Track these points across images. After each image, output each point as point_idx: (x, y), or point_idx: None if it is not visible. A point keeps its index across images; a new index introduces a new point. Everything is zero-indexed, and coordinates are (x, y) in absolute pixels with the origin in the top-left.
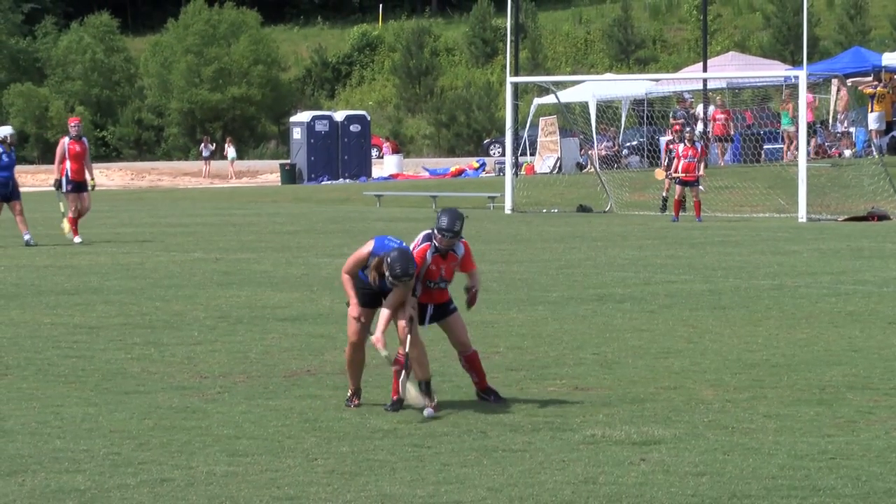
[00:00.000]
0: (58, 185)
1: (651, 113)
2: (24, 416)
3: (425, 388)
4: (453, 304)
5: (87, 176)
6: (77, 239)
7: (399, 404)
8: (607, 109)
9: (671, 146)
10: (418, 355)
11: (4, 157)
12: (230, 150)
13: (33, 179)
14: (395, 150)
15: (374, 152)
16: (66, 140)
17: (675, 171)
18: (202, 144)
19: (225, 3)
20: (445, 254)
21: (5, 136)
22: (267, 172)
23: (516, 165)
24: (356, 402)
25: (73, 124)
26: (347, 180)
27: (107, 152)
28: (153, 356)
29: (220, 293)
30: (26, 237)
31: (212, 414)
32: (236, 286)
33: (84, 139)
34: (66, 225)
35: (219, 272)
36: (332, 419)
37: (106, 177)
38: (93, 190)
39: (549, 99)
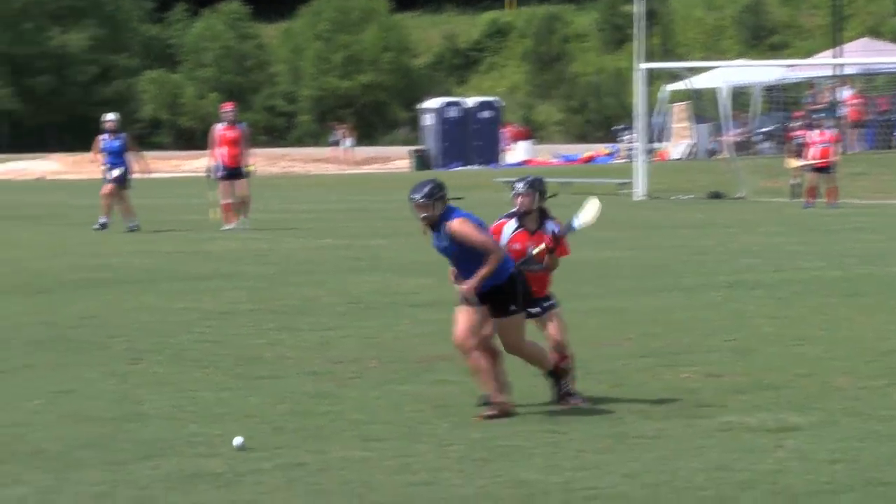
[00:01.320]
0: (208, 171)
1: (784, 99)
2: (158, 400)
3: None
4: (551, 299)
5: (244, 162)
6: (229, 226)
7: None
8: (740, 95)
9: (799, 133)
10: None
11: (114, 144)
12: (347, 140)
13: (166, 165)
14: (522, 137)
15: (505, 138)
16: (218, 126)
17: (808, 158)
18: (333, 131)
19: None
20: (533, 230)
21: (108, 122)
22: (398, 159)
23: (648, 152)
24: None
25: (226, 110)
26: (479, 166)
27: None
28: (286, 341)
29: (351, 279)
30: (103, 220)
31: (345, 399)
32: (367, 272)
33: (241, 125)
34: (216, 212)
35: (350, 258)
36: (464, 405)
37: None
38: (248, 176)
39: (680, 85)
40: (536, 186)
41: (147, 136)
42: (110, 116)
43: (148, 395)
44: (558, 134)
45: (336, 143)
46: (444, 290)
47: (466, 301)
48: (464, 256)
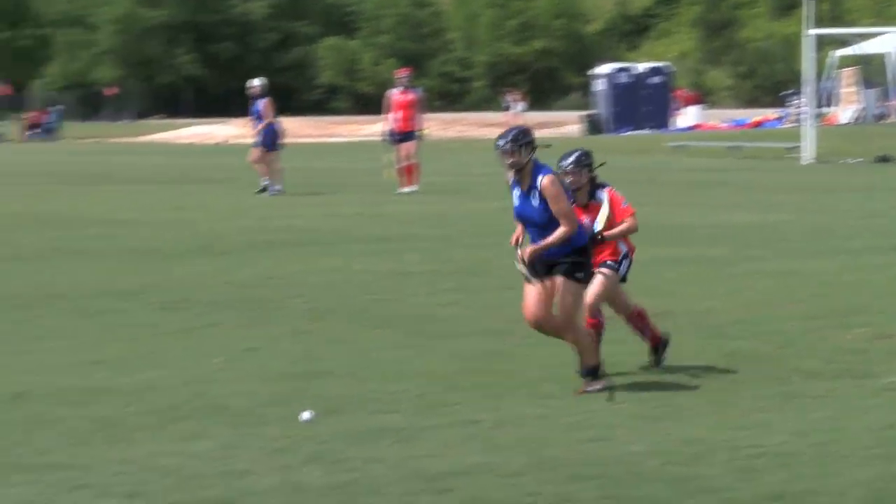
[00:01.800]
0: (383, 135)
1: None
2: (339, 358)
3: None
4: (607, 263)
5: (417, 126)
6: (406, 189)
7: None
8: None
9: None
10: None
11: (256, 108)
12: (519, 104)
13: (344, 130)
14: (691, 102)
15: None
16: (393, 91)
17: None
18: (505, 96)
19: None
20: (585, 203)
21: (252, 87)
22: (570, 123)
23: (817, 116)
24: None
25: (401, 76)
26: (649, 131)
27: None
28: (461, 301)
29: None
30: (267, 183)
31: (519, 357)
32: None
33: (414, 90)
34: (390, 173)
35: None
36: (635, 365)
37: None
38: (420, 139)
39: (849, 51)
40: (583, 162)
41: (326, 101)
42: (255, 82)
43: (328, 353)
44: (728, 99)
45: (508, 108)
46: None
47: (523, 268)
48: (545, 222)
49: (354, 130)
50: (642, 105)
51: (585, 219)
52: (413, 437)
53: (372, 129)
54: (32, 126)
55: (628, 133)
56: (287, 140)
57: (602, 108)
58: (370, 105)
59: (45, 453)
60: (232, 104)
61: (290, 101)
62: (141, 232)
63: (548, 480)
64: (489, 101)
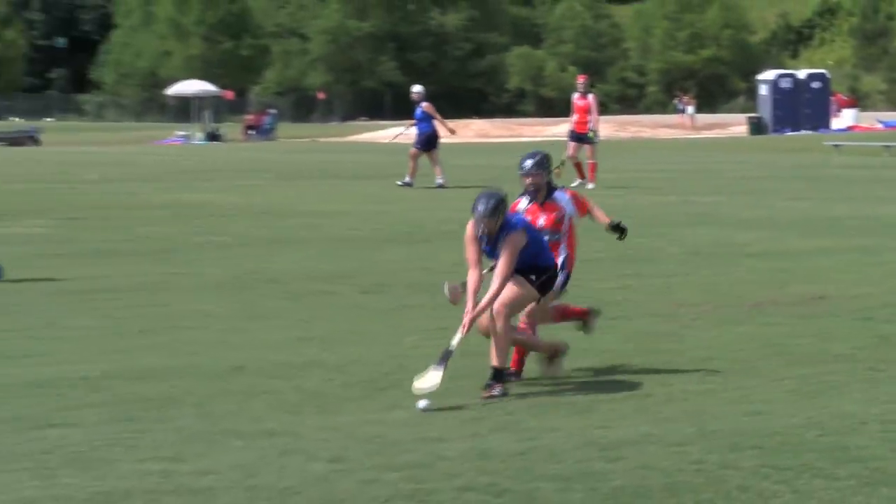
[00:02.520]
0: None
1: None
2: None
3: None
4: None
5: (590, 128)
6: (590, 185)
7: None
8: None
9: None
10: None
11: (418, 112)
12: (689, 107)
13: (530, 131)
14: (847, 105)
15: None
16: (573, 95)
17: None
18: (676, 100)
19: None
20: (541, 201)
21: (414, 94)
22: (735, 125)
23: None
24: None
25: (579, 81)
26: (808, 132)
27: None
28: (634, 286)
29: (692, 232)
30: (439, 180)
31: (686, 338)
32: (707, 225)
33: (589, 95)
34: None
35: (691, 213)
36: (793, 344)
37: None
38: (593, 141)
39: None
40: (544, 164)
41: (514, 104)
42: (416, 88)
43: None
44: (882, 102)
45: (682, 111)
46: (775, 242)
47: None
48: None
49: (539, 131)
50: (802, 108)
51: (541, 218)
52: (588, 409)
53: (554, 129)
54: (250, 127)
55: (789, 134)
56: (475, 140)
57: (765, 111)
58: (554, 108)
59: (259, 421)
60: None
61: (483, 104)
62: (346, 222)
63: (711, 450)
64: (662, 105)
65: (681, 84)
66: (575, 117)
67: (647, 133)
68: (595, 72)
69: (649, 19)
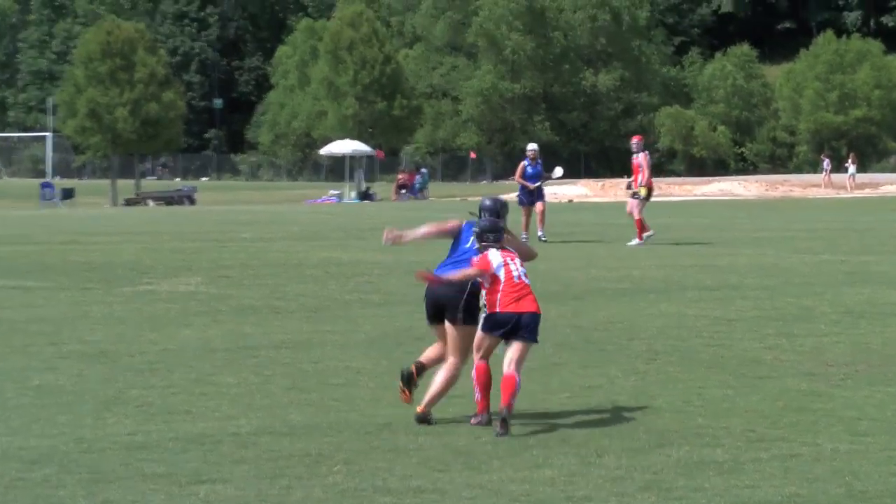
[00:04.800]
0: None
1: None
2: (670, 396)
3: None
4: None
5: (638, 185)
6: (633, 242)
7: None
8: None
9: None
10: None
11: (529, 169)
12: (851, 167)
13: (680, 190)
14: None
15: None
16: (634, 156)
17: None
18: (823, 159)
19: (851, 34)
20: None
21: (530, 151)
22: (888, 184)
23: None
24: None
25: (633, 142)
26: None
27: (744, 166)
28: (784, 346)
29: (844, 290)
30: (540, 234)
31: (836, 397)
32: (859, 284)
33: (640, 154)
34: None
35: (843, 272)
36: None
37: (744, 188)
38: (633, 197)
39: None
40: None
41: (664, 164)
42: (532, 146)
43: (661, 391)
44: None
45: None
46: None
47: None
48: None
49: (688, 191)
50: None
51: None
52: (735, 468)
53: (704, 189)
54: (402, 187)
55: None
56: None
57: None
58: (704, 167)
59: (408, 478)
60: (579, 166)
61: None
62: None
63: None
64: (813, 165)
65: (831, 143)
66: (635, 176)
67: (796, 192)
68: (745, 131)
69: (800, 79)
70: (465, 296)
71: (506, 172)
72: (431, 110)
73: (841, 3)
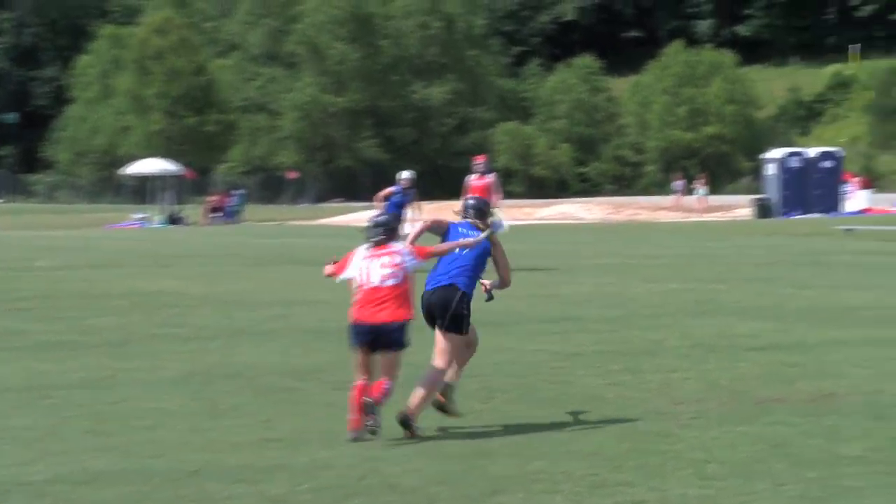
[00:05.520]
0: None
1: None
2: (507, 437)
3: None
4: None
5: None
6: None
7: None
8: None
9: None
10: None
11: (397, 197)
12: (701, 188)
13: (519, 213)
14: (864, 186)
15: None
16: (470, 177)
17: None
18: (675, 180)
19: (704, 45)
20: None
21: (405, 180)
22: (740, 207)
23: None
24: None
25: (478, 162)
26: (818, 214)
27: (587, 187)
28: (629, 382)
29: (694, 322)
30: None
31: (685, 438)
32: (709, 315)
33: (489, 175)
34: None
35: (693, 302)
36: (800, 445)
37: (586, 210)
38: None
39: None
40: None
41: (501, 184)
42: (409, 175)
43: (497, 432)
44: None
45: (683, 193)
46: (782, 333)
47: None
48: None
49: (528, 214)
50: (813, 189)
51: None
52: None
53: (544, 212)
54: (215, 209)
55: (798, 217)
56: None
57: (772, 192)
58: (544, 188)
59: None
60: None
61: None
62: (318, 312)
63: None
64: (661, 186)
65: (681, 163)
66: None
67: (644, 216)
68: (589, 149)
69: (647, 93)
70: (453, 303)
71: (329, 194)
72: (247, 126)
73: (692, 10)
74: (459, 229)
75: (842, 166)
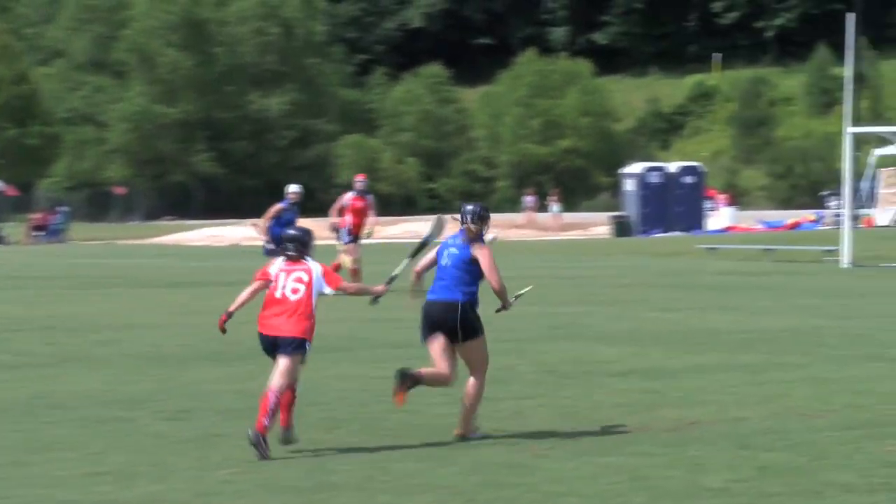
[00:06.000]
0: (336, 233)
1: None
2: (350, 470)
3: None
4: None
5: (365, 229)
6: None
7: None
8: None
9: None
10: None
11: (288, 214)
12: (555, 205)
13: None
14: (729, 203)
15: (708, 204)
16: (349, 194)
17: None
18: (526, 196)
19: (558, 53)
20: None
21: (293, 194)
22: (598, 225)
23: (855, 218)
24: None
25: (359, 180)
26: (680, 233)
27: (436, 204)
28: (480, 411)
29: (549, 347)
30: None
31: (540, 470)
32: (565, 340)
33: (369, 196)
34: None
35: (548, 326)
36: (662, 477)
37: None
38: (369, 237)
39: (890, 150)
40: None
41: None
42: (298, 189)
43: (340, 465)
44: (763, 199)
45: (535, 210)
46: (642, 358)
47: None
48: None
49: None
50: (674, 206)
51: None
52: None
53: (393, 230)
54: (38, 228)
55: (658, 235)
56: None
57: (632, 209)
58: (391, 206)
59: None
60: (246, 204)
61: (308, 201)
62: (149, 337)
63: None
64: (514, 202)
65: (535, 179)
66: (349, 218)
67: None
68: (437, 164)
69: (499, 104)
70: (457, 315)
71: (161, 211)
72: (72, 138)
73: (546, 17)
74: (447, 244)
75: (704, 182)
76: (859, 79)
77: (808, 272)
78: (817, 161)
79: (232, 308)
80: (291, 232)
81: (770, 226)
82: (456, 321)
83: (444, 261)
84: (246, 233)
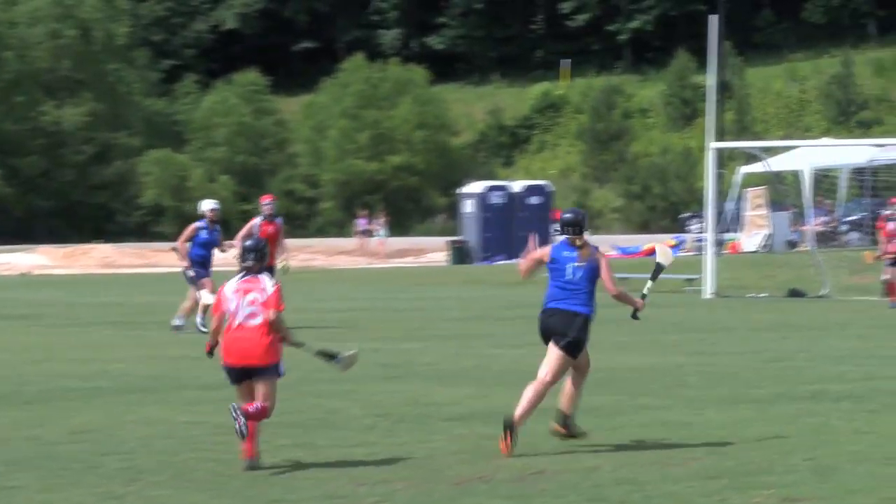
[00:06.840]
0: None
1: (875, 183)
2: None
3: None
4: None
5: (277, 260)
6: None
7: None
8: (824, 179)
9: (884, 223)
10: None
11: (204, 234)
12: (381, 229)
13: (170, 259)
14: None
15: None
16: (257, 220)
17: (886, 252)
18: (359, 219)
19: (389, 59)
20: None
21: (210, 211)
22: (434, 251)
23: (719, 243)
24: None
25: (266, 202)
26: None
27: None
28: (304, 459)
29: (380, 388)
30: (199, 320)
31: None
32: (399, 380)
33: (278, 219)
34: None
35: (379, 364)
36: None
37: None
38: (285, 273)
39: (757, 167)
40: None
41: (148, 224)
42: (214, 205)
43: None
44: (617, 222)
45: (367, 234)
46: (484, 400)
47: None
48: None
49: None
50: (518, 229)
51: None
52: None
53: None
54: None
55: (501, 262)
56: (98, 270)
57: (471, 234)
58: None
59: None
60: (37, 227)
61: (108, 223)
62: None
63: None
64: (340, 226)
65: (363, 199)
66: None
67: (320, 261)
68: (254, 182)
69: (323, 116)
70: (574, 329)
71: None
72: None
73: (376, 19)
74: (563, 251)
75: (552, 202)
76: (723, 88)
77: (667, 304)
78: (677, 180)
79: (213, 342)
80: (249, 242)
81: (625, 252)
82: (578, 333)
83: (570, 275)
84: (38, 260)
